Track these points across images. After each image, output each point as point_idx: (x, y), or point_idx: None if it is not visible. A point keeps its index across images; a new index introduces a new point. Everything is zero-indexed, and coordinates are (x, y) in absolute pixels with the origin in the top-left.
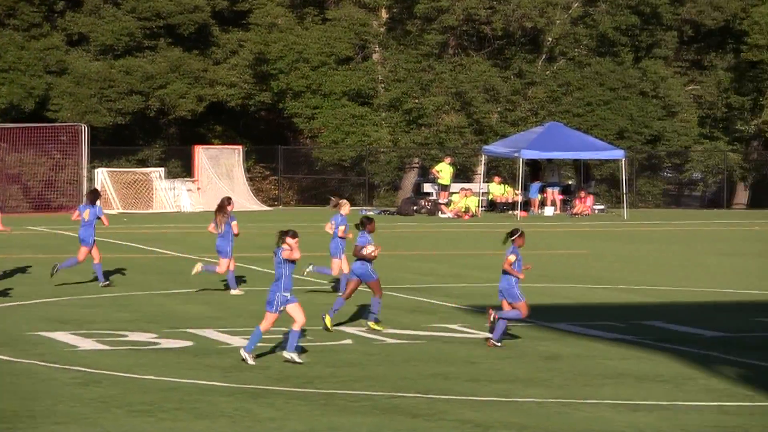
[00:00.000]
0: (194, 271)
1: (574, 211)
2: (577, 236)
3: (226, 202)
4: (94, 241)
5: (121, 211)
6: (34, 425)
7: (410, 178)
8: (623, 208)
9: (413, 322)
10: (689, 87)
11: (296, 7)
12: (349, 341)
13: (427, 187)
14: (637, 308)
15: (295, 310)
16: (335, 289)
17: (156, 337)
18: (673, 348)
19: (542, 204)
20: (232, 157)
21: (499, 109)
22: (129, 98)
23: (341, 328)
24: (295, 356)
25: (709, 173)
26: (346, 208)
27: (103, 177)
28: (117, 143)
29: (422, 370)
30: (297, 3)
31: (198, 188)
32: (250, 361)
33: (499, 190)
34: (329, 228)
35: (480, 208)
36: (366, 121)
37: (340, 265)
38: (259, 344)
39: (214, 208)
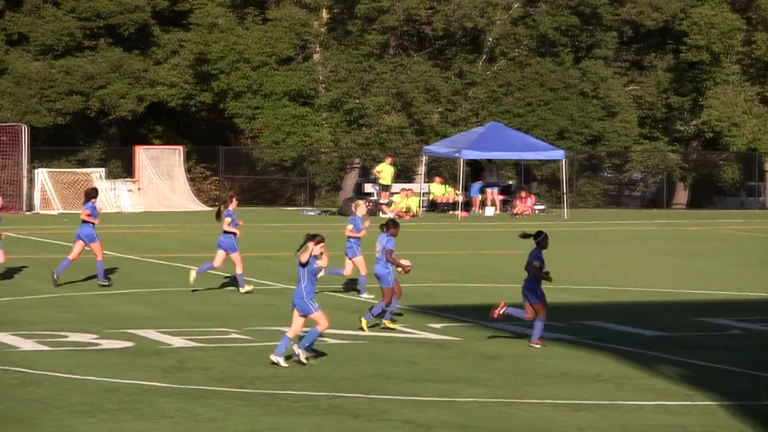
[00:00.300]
0: (190, 277)
1: (515, 211)
2: (517, 236)
3: (229, 199)
4: (97, 238)
5: (61, 211)
6: None
7: (351, 179)
8: (564, 208)
9: (355, 322)
10: (629, 87)
11: (237, 7)
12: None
13: (369, 188)
14: (577, 308)
15: (320, 315)
16: (357, 291)
17: (97, 338)
18: (614, 347)
19: (482, 204)
20: (173, 157)
21: (439, 109)
22: (69, 98)
23: (282, 328)
24: (281, 360)
25: (648, 173)
26: (362, 208)
27: (43, 177)
28: (57, 143)
29: (364, 370)
30: (237, 3)
31: (138, 188)
32: (303, 359)
33: (440, 191)
34: (348, 232)
35: (421, 209)
36: (307, 121)
37: (361, 264)
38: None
39: (154, 208)
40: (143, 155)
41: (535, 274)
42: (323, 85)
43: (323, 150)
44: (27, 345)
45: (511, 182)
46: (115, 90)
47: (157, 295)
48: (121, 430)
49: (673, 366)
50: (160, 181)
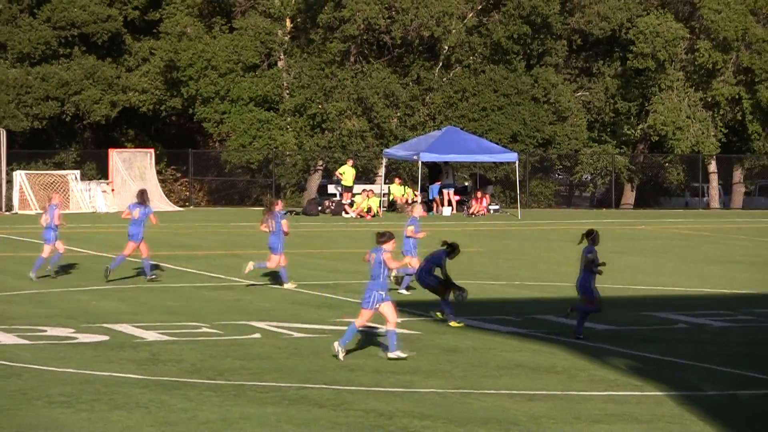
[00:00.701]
0: (246, 270)
1: (471, 211)
2: (474, 235)
3: (274, 201)
4: (143, 238)
5: (38, 211)
6: None
7: (315, 180)
8: (517, 208)
9: (320, 317)
10: (578, 93)
11: (204, 16)
12: (258, 335)
13: (331, 189)
14: (531, 303)
15: (388, 308)
16: (398, 282)
17: (74, 332)
18: (566, 341)
19: (439, 204)
20: (145, 160)
21: (398, 114)
22: (45, 104)
23: (251, 322)
24: (399, 353)
25: (597, 175)
26: (418, 210)
27: (21, 179)
28: (34, 147)
29: (328, 363)
30: (205, 13)
31: (112, 190)
32: (341, 356)
33: (399, 191)
34: (409, 232)
35: (381, 208)
36: (272, 125)
37: (415, 264)
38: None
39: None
40: (116, 158)
41: (590, 268)
42: (287, 91)
43: (288, 153)
44: (7, 339)
45: (466, 183)
46: (89, 96)
47: (131, 291)
48: (97, 420)
49: (622, 358)
50: (132, 183)
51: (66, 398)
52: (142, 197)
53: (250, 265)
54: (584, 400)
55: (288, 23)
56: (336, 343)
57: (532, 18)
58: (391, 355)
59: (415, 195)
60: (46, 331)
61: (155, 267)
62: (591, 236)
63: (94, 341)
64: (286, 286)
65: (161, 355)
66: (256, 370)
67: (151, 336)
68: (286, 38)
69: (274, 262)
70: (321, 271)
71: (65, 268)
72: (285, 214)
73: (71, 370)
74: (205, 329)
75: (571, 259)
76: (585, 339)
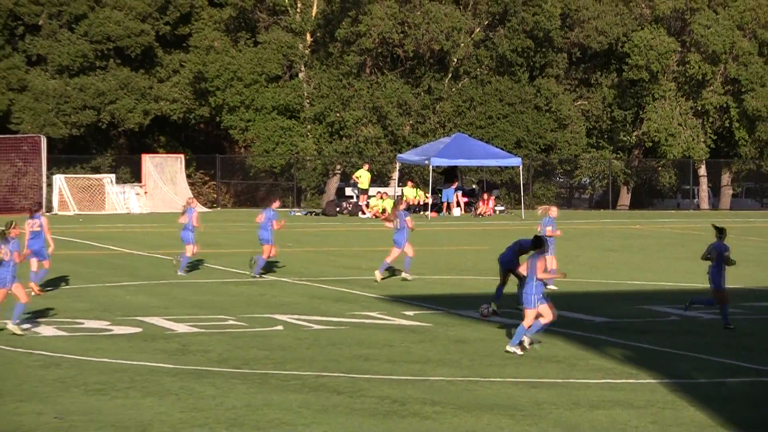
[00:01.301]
0: (379, 277)
1: (478, 211)
2: (481, 234)
3: (399, 200)
4: (271, 240)
5: (77, 212)
6: (2, 403)
7: (333, 183)
8: (521, 209)
9: (338, 310)
10: (578, 102)
11: (231, 31)
12: (280, 327)
13: (348, 191)
14: None
15: (546, 308)
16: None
17: (109, 325)
18: (567, 332)
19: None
20: (175, 164)
21: (410, 121)
22: (83, 112)
23: (273, 315)
24: (527, 342)
25: (596, 178)
26: (554, 211)
27: (60, 182)
28: (73, 152)
29: (346, 353)
30: (231, 27)
31: (145, 192)
32: (519, 352)
33: (411, 193)
34: (549, 232)
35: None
36: (293, 132)
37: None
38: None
39: (159, 209)
40: (149, 163)
41: (727, 262)
42: (307, 101)
43: (308, 158)
44: (48, 331)
45: (474, 186)
46: (123, 105)
47: (162, 286)
48: (131, 406)
49: (619, 348)
50: (164, 186)
51: (102, 386)
52: (269, 202)
53: (378, 274)
54: (583, 387)
55: (308, 37)
56: (509, 346)
57: (534, 33)
58: (526, 340)
59: (426, 197)
60: (83, 323)
61: (263, 268)
62: (723, 233)
63: (128, 333)
64: (403, 275)
65: (190, 346)
66: (279, 359)
67: (181, 328)
68: (307, 51)
69: (394, 255)
70: (339, 268)
71: (101, 265)
72: (408, 211)
73: (107, 360)
74: (231, 321)
75: (570, 256)
76: (587, 332)
